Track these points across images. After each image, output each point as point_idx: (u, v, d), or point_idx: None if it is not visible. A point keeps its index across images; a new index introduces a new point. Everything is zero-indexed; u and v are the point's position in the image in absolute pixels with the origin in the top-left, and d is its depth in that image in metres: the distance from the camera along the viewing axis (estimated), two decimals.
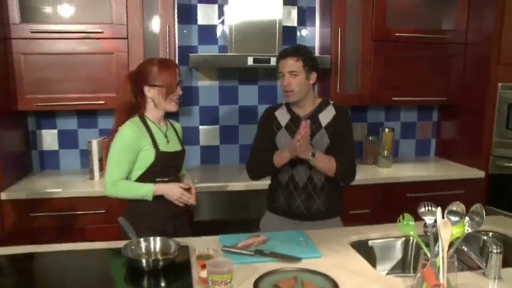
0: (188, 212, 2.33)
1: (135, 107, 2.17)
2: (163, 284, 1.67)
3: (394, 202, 3.05)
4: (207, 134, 3.42)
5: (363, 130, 3.63)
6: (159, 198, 2.11)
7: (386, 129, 3.40)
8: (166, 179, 2.15)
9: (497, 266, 1.59)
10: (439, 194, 3.05)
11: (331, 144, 2.21)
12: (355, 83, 3.20)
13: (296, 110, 2.28)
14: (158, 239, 1.87)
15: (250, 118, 3.44)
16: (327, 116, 2.24)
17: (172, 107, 2.16)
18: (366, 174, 3.16)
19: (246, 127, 3.45)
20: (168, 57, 2.86)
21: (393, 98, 3.26)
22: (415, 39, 3.21)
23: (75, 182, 2.91)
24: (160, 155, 2.12)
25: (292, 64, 2.16)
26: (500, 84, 3.10)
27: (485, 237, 1.69)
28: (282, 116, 2.31)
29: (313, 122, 2.21)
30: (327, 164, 2.14)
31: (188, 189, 2.17)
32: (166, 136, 2.18)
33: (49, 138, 3.22)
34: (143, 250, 1.84)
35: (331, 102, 2.29)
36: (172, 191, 2.12)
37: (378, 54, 3.19)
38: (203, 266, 1.63)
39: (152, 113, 2.17)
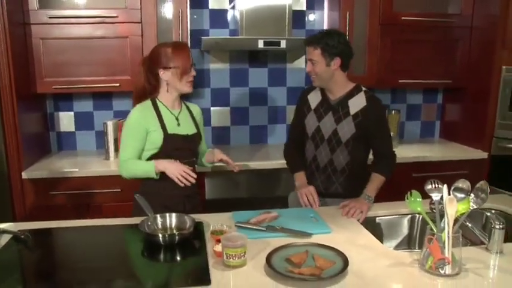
0: (198, 195, 2.33)
1: (149, 91, 2.21)
2: (179, 258, 1.73)
3: (399, 181, 3.12)
4: (218, 115, 3.49)
5: None
6: (168, 177, 2.10)
7: (393, 111, 3.47)
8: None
9: (499, 241, 1.65)
10: (443, 174, 3.08)
11: (361, 135, 2.24)
12: (362, 66, 3.25)
13: (327, 94, 2.33)
14: (174, 215, 1.93)
15: (260, 100, 3.51)
16: (356, 104, 2.25)
17: (187, 88, 2.18)
18: None
19: (256, 109, 3.52)
20: (180, 40, 2.92)
21: (399, 81, 3.31)
22: (421, 23, 3.24)
23: (91, 162, 3.01)
24: (168, 137, 2.15)
25: (311, 52, 2.22)
26: (504, 67, 3.14)
27: (489, 214, 1.76)
28: (314, 99, 2.37)
29: (342, 107, 2.26)
30: (379, 186, 2.25)
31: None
32: (177, 119, 2.22)
33: (66, 120, 3.31)
34: (159, 226, 1.90)
35: (363, 89, 2.29)
36: (172, 165, 2.09)
37: (385, 37, 3.23)
38: (217, 241, 1.70)
39: (165, 96, 2.20)
